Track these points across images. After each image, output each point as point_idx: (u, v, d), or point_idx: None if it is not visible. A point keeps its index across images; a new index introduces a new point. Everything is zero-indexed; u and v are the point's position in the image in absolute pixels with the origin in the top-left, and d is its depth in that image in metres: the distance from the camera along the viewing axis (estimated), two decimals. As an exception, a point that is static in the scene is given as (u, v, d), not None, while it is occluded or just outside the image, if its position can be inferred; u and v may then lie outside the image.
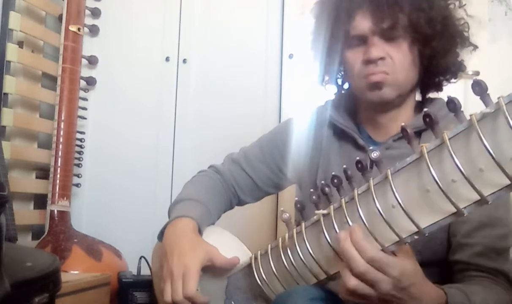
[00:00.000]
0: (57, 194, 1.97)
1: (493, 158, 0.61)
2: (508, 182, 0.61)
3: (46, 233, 1.95)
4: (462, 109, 0.65)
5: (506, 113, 0.59)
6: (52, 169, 2.00)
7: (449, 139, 0.65)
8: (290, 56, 2.09)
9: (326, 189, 0.83)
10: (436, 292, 0.83)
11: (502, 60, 1.91)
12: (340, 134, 1.17)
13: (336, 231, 0.80)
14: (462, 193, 0.65)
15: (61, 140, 2.01)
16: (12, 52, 1.89)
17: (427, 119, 0.68)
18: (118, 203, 2.17)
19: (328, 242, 0.81)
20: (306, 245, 0.86)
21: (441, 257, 1.02)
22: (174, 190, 2.11)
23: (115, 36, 2.23)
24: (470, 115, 0.63)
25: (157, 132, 2.18)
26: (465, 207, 0.66)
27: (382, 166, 0.75)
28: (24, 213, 1.97)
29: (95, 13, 2.21)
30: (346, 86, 1.21)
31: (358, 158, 0.77)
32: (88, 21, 2.19)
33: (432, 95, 1.16)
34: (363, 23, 1.05)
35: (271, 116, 2.08)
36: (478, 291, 0.91)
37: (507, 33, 2.03)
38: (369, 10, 1.04)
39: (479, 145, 0.62)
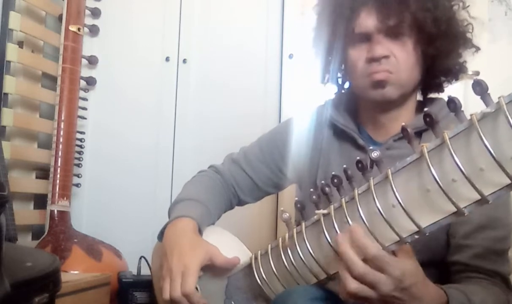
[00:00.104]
0: (57, 194, 1.97)
1: (493, 157, 0.61)
2: (508, 181, 0.61)
3: (46, 233, 1.95)
4: (462, 109, 0.65)
5: (507, 113, 0.59)
6: (52, 169, 2.00)
7: (450, 138, 0.65)
8: (290, 56, 2.09)
9: (326, 189, 0.83)
10: (437, 292, 0.83)
11: (502, 60, 1.91)
12: (340, 134, 1.16)
13: (336, 231, 0.80)
14: (463, 192, 0.65)
15: (61, 140, 2.01)
16: (12, 52, 1.89)
17: (428, 119, 0.68)
18: (118, 203, 2.17)
19: (329, 242, 0.81)
20: (306, 245, 0.85)
21: (440, 258, 1.02)
22: (174, 190, 2.11)
23: (115, 36, 2.23)
24: (471, 115, 0.63)
25: (157, 132, 2.18)
26: (465, 207, 0.66)
27: (382, 166, 0.75)
28: (24, 213, 1.97)
29: (95, 13, 2.21)
30: (346, 85, 1.21)
31: (358, 158, 0.77)
32: (88, 21, 2.19)
33: (433, 95, 1.16)
34: (368, 21, 1.04)
35: (271, 116, 2.08)
36: (477, 291, 0.91)
37: (507, 33, 2.03)
38: (374, 8, 1.04)
39: (479, 145, 0.62)
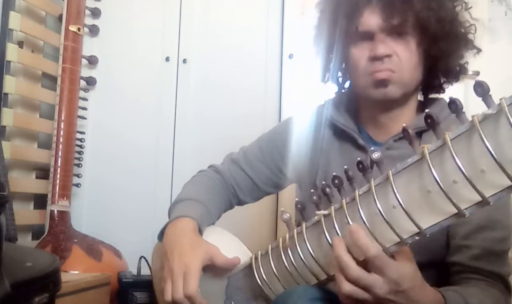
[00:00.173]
0: (57, 194, 1.97)
1: (494, 159, 0.61)
2: (509, 183, 0.61)
3: (46, 233, 1.95)
4: (463, 110, 0.65)
5: (508, 115, 0.59)
6: (52, 169, 2.00)
7: (451, 140, 0.65)
8: (290, 56, 2.09)
9: (327, 189, 0.83)
10: (434, 295, 0.83)
11: (502, 60, 1.91)
12: (340, 134, 1.16)
13: (337, 232, 0.80)
14: (464, 194, 0.65)
15: (61, 140, 2.01)
16: (12, 52, 1.89)
17: (429, 120, 0.68)
18: (118, 203, 2.16)
19: (329, 243, 0.81)
20: (306, 245, 0.85)
21: (440, 259, 1.02)
22: (174, 190, 2.11)
23: (115, 36, 2.23)
24: (472, 116, 0.63)
25: (157, 132, 2.18)
26: (466, 208, 0.66)
27: (383, 167, 0.75)
28: (24, 213, 1.97)
29: (95, 13, 2.21)
30: (347, 84, 1.21)
31: (359, 158, 0.77)
32: (88, 21, 2.19)
33: (433, 95, 1.16)
34: (371, 19, 1.04)
35: (271, 116, 2.08)
36: (475, 293, 0.91)
37: (507, 33, 2.03)
38: (378, 6, 1.03)
39: (480, 146, 0.62)
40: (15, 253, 1.09)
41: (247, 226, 1.97)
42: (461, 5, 1.08)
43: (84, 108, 2.14)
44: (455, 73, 1.12)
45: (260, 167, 1.24)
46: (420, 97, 1.16)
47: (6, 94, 1.88)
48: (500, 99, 0.60)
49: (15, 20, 1.90)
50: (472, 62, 1.13)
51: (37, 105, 2.10)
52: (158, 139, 2.17)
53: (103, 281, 1.72)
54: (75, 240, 1.91)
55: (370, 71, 1.05)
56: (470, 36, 1.08)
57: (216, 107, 2.15)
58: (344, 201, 0.80)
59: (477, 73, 1.71)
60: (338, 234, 0.80)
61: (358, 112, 1.17)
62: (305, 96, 1.97)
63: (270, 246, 0.94)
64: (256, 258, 0.97)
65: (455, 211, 0.67)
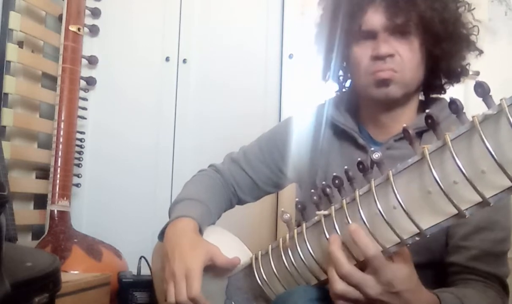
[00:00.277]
0: (57, 194, 1.97)
1: (495, 160, 0.61)
2: (510, 184, 0.61)
3: (46, 233, 1.95)
4: (464, 111, 0.65)
5: (509, 115, 0.59)
6: (52, 169, 2.00)
7: (451, 140, 0.65)
8: (290, 56, 2.09)
9: (327, 189, 0.83)
10: (430, 297, 0.82)
11: (502, 60, 1.91)
12: (340, 133, 1.16)
13: (337, 232, 0.80)
14: (464, 194, 0.65)
15: (61, 140, 2.01)
16: (12, 52, 1.89)
17: (429, 120, 0.68)
18: (118, 203, 2.17)
19: (329, 243, 0.81)
20: (306, 245, 0.85)
21: (439, 259, 1.02)
22: (174, 190, 2.11)
23: (115, 36, 2.24)
24: (472, 117, 0.63)
25: (157, 132, 2.18)
26: (466, 209, 0.66)
27: (383, 167, 0.75)
28: (24, 213, 1.97)
29: (95, 13, 2.21)
30: (347, 83, 1.21)
31: (359, 158, 0.77)
32: (88, 21, 2.19)
33: (434, 95, 1.16)
34: (374, 18, 1.04)
35: (271, 116, 2.08)
36: (472, 295, 0.91)
37: (507, 33, 2.03)
38: (382, 5, 1.03)
39: (481, 147, 0.62)
40: (15, 253, 1.09)
41: (248, 226, 1.97)
42: (464, 6, 1.07)
43: (84, 108, 2.15)
44: (457, 74, 1.11)
45: (260, 167, 1.24)
46: (421, 97, 1.16)
47: (6, 94, 1.88)
48: (501, 100, 0.60)
49: (15, 20, 1.90)
50: (472, 62, 1.13)
51: (37, 105, 2.10)
52: (158, 139, 2.17)
53: (103, 281, 1.72)
54: (75, 240, 1.91)
55: (372, 71, 1.05)
56: (473, 38, 1.08)
57: (216, 107, 2.15)
58: (344, 201, 0.80)
59: (477, 73, 1.71)
60: (338, 235, 0.80)
61: (359, 111, 1.17)
62: (305, 96, 1.97)
63: (270, 246, 0.94)
64: (256, 258, 0.97)
65: (455, 211, 0.67)
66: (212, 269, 1.00)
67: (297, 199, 0.90)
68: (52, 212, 1.97)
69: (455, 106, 0.65)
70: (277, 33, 2.13)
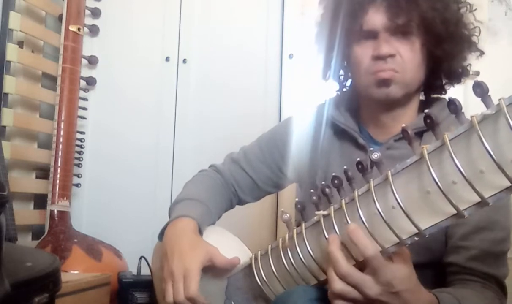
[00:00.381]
0: (57, 194, 1.98)
1: (493, 160, 0.61)
2: (508, 184, 0.61)
3: (46, 233, 1.95)
4: (463, 111, 0.65)
5: (507, 115, 0.59)
6: (52, 169, 2.00)
7: (450, 140, 0.65)
8: (290, 56, 2.09)
9: (327, 189, 0.83)
10: (429, 297, 0.82)
11: (502, 60, 1.91)
12: (340, 133, 1.16)
13: (336, 232, 0.80)
14: (463, 194, 0.65)
15: (61, 140, 2.01)
16: (12, 52, 1.89)
17: (428, 121, 0.68)
18: (118, 203, 2.17)
19: (328, 243, 0.81)
20: (306, 245, 0.85)
21: (439, 259, 1.02)
22: (174, 190, 2.12)
23: (115, 36, 2.24)
24: (471, 117, 0.63)
25: (157, 132, 2.18)
26: (465, 209, 0.66)
27: (382, 167, 0.75)
28: (24, 213, 1.97)
29: (95, 13, 2.21)
30: (348, 83, 1.20)
31: (358, 159, 0.77)
32: (88, 21, 2.19)
33: (435, 95, 1.16)
34: (375, 18, 1.04)
35: (271, 116, 2.08)
36: (469, 295, 0.91)
37: (507, 33, 2.03)
38: (383, 5, 1.03)
39: (479, 147, 0.61)
40: (15, 253, 1.09)
41: (247, 226, 1.97)
42: (465, 7, 1.07)
43: (84, 108, 2.15)
44: (458, 75, 1.11)
45: (260, 167, 1.24)
46: (421, 97, 1.16)
47: (6, 94, 1.88)
48: (499, 100, 0.60)
49: (15, 20, 1.90)
50: (473, 62, 1.12)
51: (37, 105, 2.10)
52: (158, 139, 2.18)
53: (103, 281, 1.72)
54: (75, 240, 1.91)
55: (373, 71, 1.05)
56: (474, 38, 1.08)
57: (216, 107, 2.15)
58: (343, 201, 0.80)
59: (477, 73, 1.71)
60: (337, 234, 0.80)
61: (359, 111, 1.17)
62: (305, 96, 1.97)
63: (270, 246, 0.94)
64: (255, 259, 0.97)
65: (454, 211, 0.66)
66: (212, 270, 1.00)
67: (296, 199, 0.90)
68: (52, 212, 1.97)
69: (454, 106, 0.65)
70: (277, 33, 2.13)
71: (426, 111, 0.69)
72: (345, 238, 0.78)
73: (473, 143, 0.63)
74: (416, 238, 0.72)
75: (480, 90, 0.61)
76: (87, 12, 2.18)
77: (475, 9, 1.08)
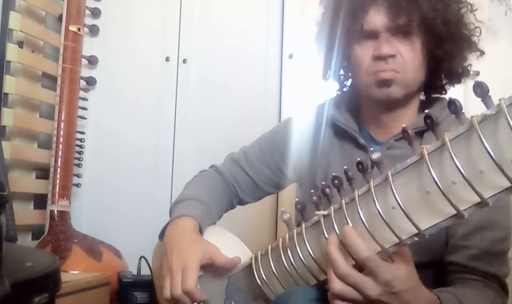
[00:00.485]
0: (57, 194, 1.98)
1: (493, 160, 0.60)
2: (508, 184, 0.61)
3: (46, 233, 1.95)
4: (463, 111, 0.65)
5: (507, 115, 0.59)
6: (52, 169, 2.00)
7: (450, 140, 0.65)
8: (290, 56, 2.09)
9: (327, 189, 0.83)
10: (430, 297, 0.82)
11: (502, 60, 1.91)
12: (341, 133, 1.16)
13: (336, 232, 0.80)
14: (463, 195, 0.65)
15: (61, 140, 2.01)
16: (12, 52, 1.89)
17: (428, 121, 0.68)
18: (118, 203, 2.17)
19: (328, 243, 0.81)
20: (306, 245, 0.85)
21: (439, 259, 1.02)
22: (174, 190, 2.12)
23: (115, 36, 2.24)
24: (471, 117, 0.63)
25: (157, 132, 2.18)
26: (465, 209, 0.66)
27: (382, 167, 0.75)
28: (24, 213, 1.97)
29: (95, 13, 2.21)
30: (348, 82, 1.20)
31: (359, 159, 0.77)
32: (88, 21, 2.19)
33: (435, 95, 1.16)
34: (376, 18, 1.03)
35: (271, 116, 2.08)
36: (470, 295, 0.91)
37: (507, 33, 2.03)
38: (384, 5, 1.03)
39: (479, 147, 0.61)
40: (15, 253, 1.09)
41: (248, 226, 1.97)
42: (466, 7, 1.07)
43: (84, 108, 2.15)
44: (458, 75, 1.11)
45: (260, 167, 1.24)
46: (422, 97, 1.16)
47: (6, 94, 1.88)
48: (499, 100, 0.60)
49: (15, 20, 1.91)
50: (473, 62, 1.12)
51: (37, 105, 2.10)
52: (158, 139, 2.18)
53: (103, 281, 1.72)
54: (75, 240, 1.91)
55: (374, 71, 1.04)
56: (474, 38, 1.08)
57: (216, 107, 2.15)
58: (343, 201, 0.80)
59: (477, 73, 1.71)
60: (337, 235, 0.80)
61: (359, 111, 1.17)
62: (305, 96, 1.97)
63: (270, 246, 0.94)
64: (256, 258, 0.97)
65: (454, 212, 0.66)
66: (212, 269, 1.00)
67: (297, 199, 0.90)
68: (52, 212, 1.97)
69: (454, 107, 0.65)
70: (277, 33, 2.13)
71: (426, 111, 0.69)
72: (343, 239, 0.78)
73: (473, 144, 0.63)
74: (416, 239, 0.72)
75: (481, 90, 0.61)
76: (87, 12, 2.18)
77: (476, 9, 1.08)
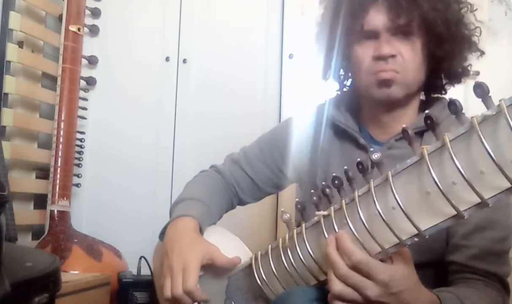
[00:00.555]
0: (57, 194, 1.98)
1: (493, 160, 0.61)
2: (508, 185, 0.61)
3: (46, 233, 1.95)
4: (463, 111, 0.65)
5: (507, 116, 0.59)
6: (52, 169, 2.00)
7: (450, 141, 0.65)
8: (290, 56, 2.09)
9: (327, 190, 0.83)
10: (430, 297, 0.82)
11: (502, 60, 1.91)
12: (341, 133, 1.16)
13: (336, 232, 0.80)
14: (463, 195, 0.65)
15: (61, 140, 2.01)
16: (12, 52, 1.89)
17: (428, 121, 0.68)
18: (118, 203, 2.17)
19: (328, 243, 0.81)
20: (306, 246, 0.85)
21: (440, 258, 1.02)
22: (174, 190, 2.12)
23: (115, 36, 2.24)
24: (471, 118, 0.63)
25: (157, 132, 2.18)
26: (465, 210, 0.66)
27: (382, 168, 0.75)
28: (24, 213, 1.97)
29: (95, 13, 2.21)
30: (348, 83, 1.20)
31: (359, 159, 0.77)
32: (88, 21, 2.19)
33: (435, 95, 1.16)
34: (377, 18, 1.03)
35: (271, 116, 2.08)
36: (471, 294, 0.91)
37: (507, 33, 2.03)
38: (384, 6, 1.03)
39: (480, 148, 0.61)
40: (15, 253, 1.09)
41: (248, 226, 1.97)
42: (466, 7, 1.07)
43: (84, 108, 2.15)
44: (458, 75, 1.11)
45: (260, 167, 1.24)
46: (422, 96, 1.16)
47: (6, 94, 1.88)
48: (500, 101, 0.60)
49: (15, 20, 1.90)
50: (473, 62, 1.12)
51: (37, 105, 2.10)
52: (158, 139, 2.18)
53: (103, 281, 1.72)
54: (75, 240, 1.91)
55: (374, 71, 1.04)
56: (474, 39, 1.08)
57: (216, 107, 2.15)
58: (343, 201, 0.80)
59: (477, 73, 1.71)
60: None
61: (359, 111, 1.17)
62: (305, 96, 1.97)
63: (270, 246, 0.94)
64: (256, 259, 0.97)
65: (454, 212, 0.66)
66: (212, 269, 1.00)
67: (297, 199, 0.90)
68: (52, 212, 1.97)
69: (454, 107, 0.65)
70: (277, 33, 2.13)
71: (426, 111, 0.69)
72: None
73: (473, 144, 0.63)
74: (416, 239, 0.72)
75: (481, 90, 0.61)
76: (87, 12, 2.18)
77: (476, 9, 1.08)
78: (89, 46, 2.18)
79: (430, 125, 0.68)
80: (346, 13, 1.07)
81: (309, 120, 1.22)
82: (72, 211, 2.06)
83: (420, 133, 1.03)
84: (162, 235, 1.09)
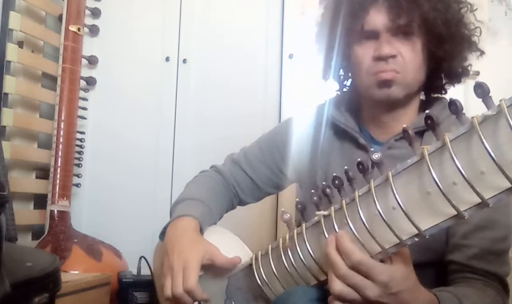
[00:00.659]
0: (57, 194, 1.98)
1: (494, 161, 0.61)
2: (509, 185, 0.61)
3: (46, 233, 1.95)
4: (463, 111, 0.65)
5: (508, 116, 0.59)
6: (52, 169, 2.00)
7: (450, 141, 0.65)
8: (290, 56, 2.09)
9: (327, 190, 0.83)
10: (428, 297, 0.82)
11: (502, 60, 1.91)
12: (341, 133, 1.16)
13: (336, 232, 0.80)
14: (463, 195, 0.65)
15: (61, 140, 2.01)
16: (12, 52, 1.89)
17: (429, 121, 0.68)
18: (118, 203, 2.17)
19: (328, 243, 0.81)
20: (306, 246, 0.85)
21: (440, 258, 1.02)
22: (174, 190, 2.12)
23: (115, 36, 2.24)
24: (472, 118, 0.63)
25: (157, 132, 2.18)
26: (465, 210, 0.66)
27: (383, 168, 0.75)
28: (24, 213, 1.97)
29: (95, 13, 2.21)
30: (348, 83, 1.20)
31: (359, 159, 0.77)
32: (88, 21, 2.19)
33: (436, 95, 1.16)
34: (377, 18, 1.03)
35: (271, 116, 2.08)
36: (470, 294, 0.91)
37: (507, 33, 2.03)
38: (384, 6, 1.03)
39: (480, 148, 0.61)
40: (15, 253, 1.09)
41: (248, 226, 1.97)
42: (466, 7, 1.07)
43: (84, 108, 2.15)
44: (458, 75, 1.11)
45: (260, 168, 1.24)
46: (422, 96, 1.16)
47: (6, 94, 1.88)
48: (500, 101, 0.60)
49: (15, 20, 1.90)
50: (473, 62, 1.12)
51: (37, 105, 2.10)
52: (158, 139, 2.18)
53: (103, 281, 1.72)
54: (75, 240, 1.91)
55: (374, 71, 1.04)
56: (474, 38, 1.08)
57: (216, 107, 2.15)
58: (344, 201, 0.80)
59: (477, 73, 1.71)
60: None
61: (360, 111, 1.17)
62: (305, 96, 1.97)
63: (270, 246, 0.94)
64: (256, 259, 0.97)
65: (455, 212, 0.66)
66: (212, 269, 1.00)
67: (297, 199, 0.90)
68: (52, 212, 1.97)
69: (454, 107, 0.65)
70: (277, 33, 2.13)
71: (427, 111, 0.69)
72: None
73: (473, 144, 0.63)
74: (416, 239, 0.72)
75: (481, 91, 0.61)
76: (87, 12, 2.18)
77: (476, 9, 1.08)
78: (89, 46, 2.18)
79: (431, 125, 0.68)
80: (346, 13, 1.07)
81: (309, 120, 1.22)
82: (72, 211, 2.06)
83: (420, 133, 1.03)
84: (163, 235, 1.09)
